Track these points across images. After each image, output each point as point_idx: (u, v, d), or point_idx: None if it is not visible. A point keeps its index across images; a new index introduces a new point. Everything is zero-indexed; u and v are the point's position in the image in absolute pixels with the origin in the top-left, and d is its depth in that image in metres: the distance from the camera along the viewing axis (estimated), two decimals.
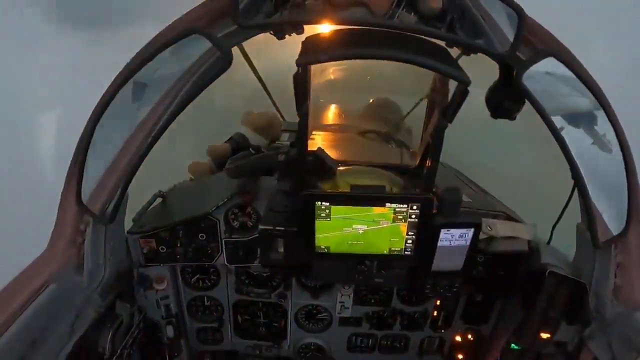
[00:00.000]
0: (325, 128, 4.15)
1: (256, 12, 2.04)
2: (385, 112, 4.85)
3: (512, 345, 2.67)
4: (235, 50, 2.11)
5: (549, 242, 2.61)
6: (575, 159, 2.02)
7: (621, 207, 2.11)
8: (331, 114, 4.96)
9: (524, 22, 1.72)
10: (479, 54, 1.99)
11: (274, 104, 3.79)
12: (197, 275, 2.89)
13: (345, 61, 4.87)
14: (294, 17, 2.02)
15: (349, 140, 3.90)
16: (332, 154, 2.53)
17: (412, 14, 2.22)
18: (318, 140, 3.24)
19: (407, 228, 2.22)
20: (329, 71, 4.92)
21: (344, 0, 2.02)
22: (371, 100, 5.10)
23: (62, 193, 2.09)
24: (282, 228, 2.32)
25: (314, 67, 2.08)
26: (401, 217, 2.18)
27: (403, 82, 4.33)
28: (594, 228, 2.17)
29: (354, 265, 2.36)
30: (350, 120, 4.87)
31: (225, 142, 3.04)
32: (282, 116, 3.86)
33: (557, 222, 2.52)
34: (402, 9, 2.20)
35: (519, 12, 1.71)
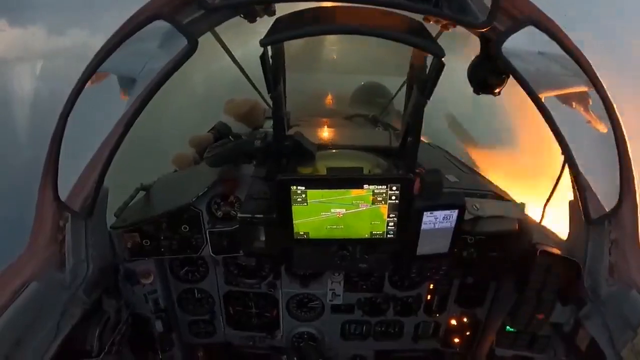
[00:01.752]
0: (313, 115, 4.09)
1: None
2: (374, 96, 4.80)
3: (508, 327, 2.63)
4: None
5: (541, 221, 2.55)
6: (563, 133, 1.96)
7: (614, 183, 2.04)
8: (320, 100, 4.91)
9: None
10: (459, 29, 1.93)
11: (257, 90, 3.73)
12: (186, 268, 2.86)
13: (335, 44, 4.84)
14: None
15: (335, 125, 3.84)
16: (316, 139, 2.48)
17: None
18: (304, 127, 3.19)
19: (388, 210, 2.15)
20: (322, 54, 4.87)
21: None
22: (361, 84, 5.04)
23: (38, 189, 2.06)
24: (262, 215, 2.27)
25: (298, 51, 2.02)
26: (381, 198, 2.12)
27: (392, 63, 4.26)
28: (585, 204, 2.12)
29: (336, 251, 2.31)
30: (339, 105, 4.82)
31: (208, 131, 3.00)
32: (267, 103, 3.81)
33: (548, 200, 2.45)
34: None
35: None
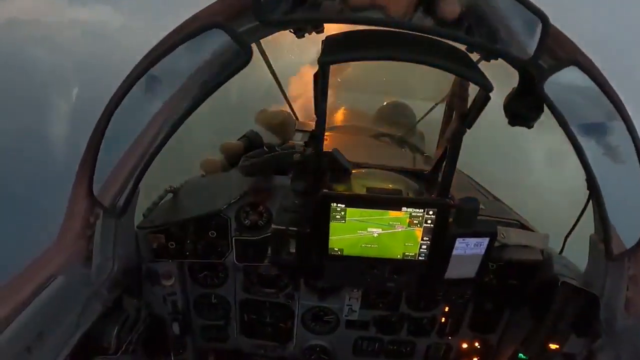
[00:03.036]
0: (338, 129, 4.13)
1: (274, 9, 2.03)
2: (399, 116, 4.84)
3: (520, 355, 2.64)
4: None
5: (561, 252, 2.59)
6: (593, 169, 2.00)
7: (635, 220, 2.08)
8: (344, 115, 4.94)
9: (548, 29, 1.69)
10: (498, 60, 1.97)
11: (288, 103, 3.77)
12: (205, 272, 2.87)
13: (360, 63, 4.87)
14: (317, 15, 2.00)
15: (362, 142, 3.88)
16: (345, 155, 2.51)
17: (429, 18, 2.21)
18: (331, 142, 3.22)
19: (423, 233, 2.19)
20: (344, 72, 4.90)
21: (361, 2, 2.01)
22: (385, 103, 5.08)
23: (73, 185, 2.08)
24: (295, 228, 2.30)
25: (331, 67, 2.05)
26: (417, 221, 2.16)
27: (417, 86, 4.30)
28: (608, 240, 2.16)
29: (367, 269, 2.34)
30: (363, 122, 4.85)
31: (239, 139, 3.02)
32: (295, 116, 3.84)
33: (570, 232, 2.50)
34: (419, 13, 2.19)
35: (543, 18, 1.68)
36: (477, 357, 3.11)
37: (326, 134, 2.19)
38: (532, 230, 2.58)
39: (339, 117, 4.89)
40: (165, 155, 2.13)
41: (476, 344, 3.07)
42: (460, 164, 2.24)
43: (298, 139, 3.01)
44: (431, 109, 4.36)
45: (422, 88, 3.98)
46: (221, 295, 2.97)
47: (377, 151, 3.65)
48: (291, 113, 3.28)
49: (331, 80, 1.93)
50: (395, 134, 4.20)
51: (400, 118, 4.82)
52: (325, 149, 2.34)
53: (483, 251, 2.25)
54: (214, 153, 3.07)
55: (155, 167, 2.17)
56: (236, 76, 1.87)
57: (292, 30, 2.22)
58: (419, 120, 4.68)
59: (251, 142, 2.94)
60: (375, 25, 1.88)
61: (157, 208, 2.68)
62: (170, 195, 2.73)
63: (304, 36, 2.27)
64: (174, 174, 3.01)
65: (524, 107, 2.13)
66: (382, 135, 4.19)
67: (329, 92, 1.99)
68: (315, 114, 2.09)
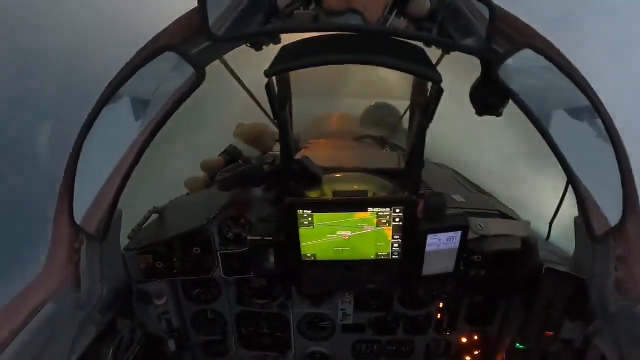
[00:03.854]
0: (323, 136, 4.14)
1: (239, 25, 2.07)
2: (383, 116, 4.83)
3: (518, 345, 2.63)
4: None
5: (547, 238, 2.56)
6: (564, 151, 1.99)
7: (618, 199, 2.06)
8: (330, 121, 4.96)
9: (494, 15, 1.70)
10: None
11: (266, 114, 3.80)
12: (198, 289, 2.91)
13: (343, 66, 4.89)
14: (263, 29, 2.04)
15: (343, 147, 3.89)
16: (325, 161, 2.54)
17: (402, 18, 2.24)
18: (312, 149, 3.24)
19: (392, 232, 2.21)
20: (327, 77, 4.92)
21: (338, 7, 2.05)
22: (371, 105, 5.09)
23: (55, 212, 2.13)
24: (271, 238, 2.33)
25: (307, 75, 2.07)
26: (385, 221, 2.17)
27: (397, 86, 4.31)
28: (589, 221, 2.13)
29: (343, 272, 2.36)
30: (349, 126, 4.86)
31: (219, 155, 3.06)
32: (276, 126, 3.86)
33: (554, 218, 2.47)
34: (395, 15, 2.22)
35: (488, 4, 1.70)
36: (478, 350, 3.08)
37: (309, 141, 2.22)
38: (515, 220, 2.56)
39: (325, 123, 4.91)
40: (152, 178, 2.18)
41: (475, 338, 3.05)
42: (445, 159, 2.24)
43: (278, 150, 3.02)
44: (408, 108, 4.35)
45: (403, 87, 3.97)
46: (217, 311, 3.01)
47: (356, 154, 3.66)
48: (270, 124, 3.30)
49: (304, 86, 1.96)
50: (377, 135, 4.21)
51: (385, 118, 4.81)
52: (303, 155, 2.38)
53: (457, 245, 2.25)
54: (198, 171, 3.11)
55: (140, 189, 2.22)
56: (216, 91, 1.91)
57: (249, 44, 2.26)
58: (400, 119, 4.67)
59: (231, 156, 2.97)
60: (323, 31, 1.91)
61: (142, 229, 2.73)
62: (155, 216, 2.78)
63: (262, 49, 2.31)
64: (162, 196, 3.06)
65: (489, 96, 2.13)
66: (364, 137, 4.20)
67: (306, 100, 2.01)
68: (277, 124, 2.12)
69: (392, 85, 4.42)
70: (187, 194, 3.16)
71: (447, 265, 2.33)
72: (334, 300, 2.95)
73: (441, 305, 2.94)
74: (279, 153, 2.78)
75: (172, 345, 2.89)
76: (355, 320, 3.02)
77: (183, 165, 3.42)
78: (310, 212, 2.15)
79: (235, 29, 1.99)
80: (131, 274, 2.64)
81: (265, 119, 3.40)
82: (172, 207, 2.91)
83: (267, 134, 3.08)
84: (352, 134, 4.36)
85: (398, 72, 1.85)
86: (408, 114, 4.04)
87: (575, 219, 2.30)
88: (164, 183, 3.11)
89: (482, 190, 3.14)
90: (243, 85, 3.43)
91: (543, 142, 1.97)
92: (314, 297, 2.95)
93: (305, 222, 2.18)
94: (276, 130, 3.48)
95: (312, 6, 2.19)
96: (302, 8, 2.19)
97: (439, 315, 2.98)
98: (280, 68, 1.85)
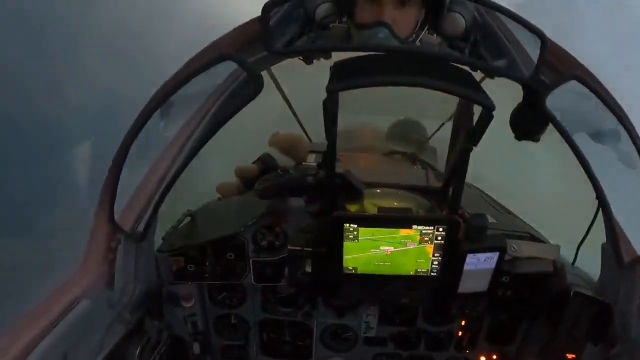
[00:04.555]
0: (350, 148, 4.17)
1: (282, 34, 2.12)
2: (410, 132, 4.88)
3: None
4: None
5: (573, 263, 2.61)
6: (598, 178, 2.03)
7: None
8: (356, 134, 4.99)
9: (546, 46, 1.74)
10: None
11: (301, 125, 3.84)
12: (224, 294, 2.92)
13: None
14: (323, 45, 2.08)
15: (374, 161, 3.93)
16: (359, 175, 2.57)
17: (435, 35, 2.28)
18: (343, 161, 3.27)
19: (434, 250, 2.25)
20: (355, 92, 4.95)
21: (368, 20, 2.09)
22: (396, 120, 5.13)
23: (95, 211, 2.15)
24: (310, 249, 2.37)
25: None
26: (427, 238, 2.22)
27: (425, 104, 4.35)
28: (618, 248, 2.19)
29: (381, 286, 2.40)
30: (374, 140, 4.90)
31: (253, 163, 3.09)
32: (308, 137, 3.91)
33: (581, 242, 2.52)
34: (426, 31, 2.27)
35: (540, 35, 1.73)
36: None
37: (339, 153, 2.25)
38: (544, 242, 2.61)
39: (350, 136, 4.94)
40: (182, 179, 2.21)
41: (494, 357, 3.08)
42: (471, 178, 2.27)
43: (312, 160, 3.08)
44: (440, 126, 4.41)
45: (431, 106, 4.01)
46: (240, 316, 3.02)
47: (388, 169, 3.70)
48: (304, 135, 3.35)
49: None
50: (407, 151, 4.26)
51: (412, 134, 4.86)
52: (338, 169, 2.41)
53: (493, 265, 2.30)
54: (230, 177, 3.13)
55: (174, 192, 2.24)
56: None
57: (301, 57, 2.31)
58: (429, 137, 4.72)
59: (265, 164, 3.00)
60: (379, 51, 1.95)
61: (175, 232, 2.75)
62: (188, 218, 2.81)
63: (312, 62, 2.36)
64: (192, 197, 3.08)
65: (529, 122, 2.18)
66: (393, 152, 4.25)
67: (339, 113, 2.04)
68: (326, 139, 2.16)
69: (419, 104, 4.45)
70: (219, 199, 3.18)
71: (482, 284, 2.38)
72: (358, 312, 2.97)
73: (463, 322, 2.97)
74: (312, 164, 2.82)
75: (196, 348, 2.90)
76: (378, 333, 3.04)
77: (213, 170, 3.44)
78: (356, 226, 2.19)
79: (283, 37, 2.04)
80: (162, 275, 2.67)
81: (296, 129, 3.44)
82: (205, 211, 2.93)
83: (301, 144, 3.12)
84: (378, 148, 4.39)
85: (428, 91, 1.88)
86: (438, 132, 4.11)
87: (603, 244, 2.35)
88: (195, 186, 3.12)
89: (509, 211, 3.18)
90: (284, 96, 3.47)
91: None
92: (338, 308, 2.97)
93: (350, 236, 2.22)
94: (308, 141, 3.53)
95: (344, 19, 2.24)
96: (337, 21, 2.25)
97: (460, 333, 3.01)
98: (347, 85, 1.89)
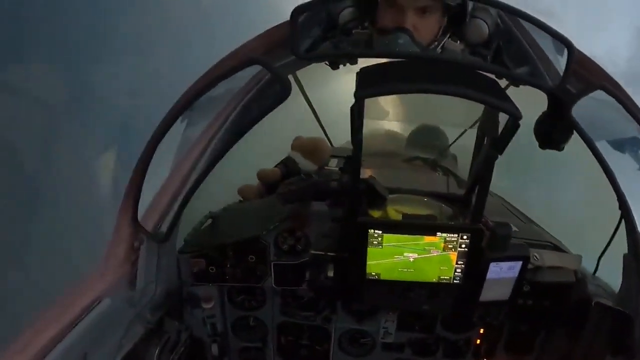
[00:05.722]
0: (371, 154, 4.17)
1: (305, 39, 2.13)
2: (431, 139, 4.86)
3: None
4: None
5: (594, 273, 2.61)
6: (622, 189, 2.02)
7: None
8: (377, 140, 4.98)
9: (573, 56, 1.73)
10: None
11: (323, 129, 3.85)
12: (243, 296, 2.93)
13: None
14: (351, 51, 2.09)
15: (395, 167, 3.93)
16: (381, 180, 2.57)
17: (458, 41, 2.29)
18: (366, 166, 3.28)
19: (457, 257, 2.25)
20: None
21: (389, 26, 2.10)
22: (416, 126, 5.13)
23: (118, 211, 2.18)
24: (333, 254, 2.38)
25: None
26: (451, 246, 2.21)
27: (445, 111, 4.34)
28: (639, 258, 2.16)
29: (403, 292, 2.40)
30: (395, 146, 4.89)
31: (275, 166, 3.10)
32: (330, 141, 3.92)
33: (603, 253, 2.51)
34: (448, 37, 2.27)
35: (568, 45, 1.72)
36: None
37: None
38: (565, 252, 2.60)
39: (371, 141, 4.93)
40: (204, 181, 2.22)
41: None
42: (493, 186, 2.27)
43: (333, 165, 3.07)
44: (462, 133, 4.40)
45: (452, 113, 4.01)
46: (259, 318, 3.03)
47: (410, 175, 3.70)
48: (326, 139, 3.35)
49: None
50: (428, 158, 4.26)
51: (433, 141, 4.84)
52: (369, 177, 2.42)
53: (516, 274, 2.29)
54: (251, 179, 3.15)
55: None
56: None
57: (327, 62, 2.32)
58: (451, 144, 4.70)
59: (287, 168, 3.01)
60: (403, 58, 1.96)
61: (197, 233, 2.76)
62: (210, 220, 2.82)
63: (338, 67, 2.37)
64: (213, 199, 3.09)
65: (554, 131, 2.18)
66: (414, 158, 4.24)
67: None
68: (352, 144, 2.16)
69: (441, 111, 4.45)
70: (240, 201, 3.19)
71: (504, 293, 2.37)
72: (377, 318, 2.96)
73: (481, 331, 2.96)
74: (335, 168, 2.83)
75: (215, 349, 2.92)
76: (396, 339, 3.03)
77: (235, 173, 3.46)
78: (380, 232, 2.19)
79: (310, 45, 2.05)
80: (183, 276, 2.68)
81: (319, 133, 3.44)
82: (227, 213, 2.94)
83: (324, 149, 3.12)
84: (399, 154, 4.39)
85: (449, 98, 1.87)
86: (459, 139, 4.10)
87: (625, 255, 2.33)
88: (216, 188, 3.14)
89: (531, 220, 3.17)
90: (308, 101, 3.48)
91: None
92: (358, 313, 2.97)
93: (374, 242, 2.22)
94: (330, 146, 3.54)
95: (366, 24, 2.26)
96: (360, 27, 2.26)
97: (478, 341, 3.00)
98: (375, 91, 1.89)
